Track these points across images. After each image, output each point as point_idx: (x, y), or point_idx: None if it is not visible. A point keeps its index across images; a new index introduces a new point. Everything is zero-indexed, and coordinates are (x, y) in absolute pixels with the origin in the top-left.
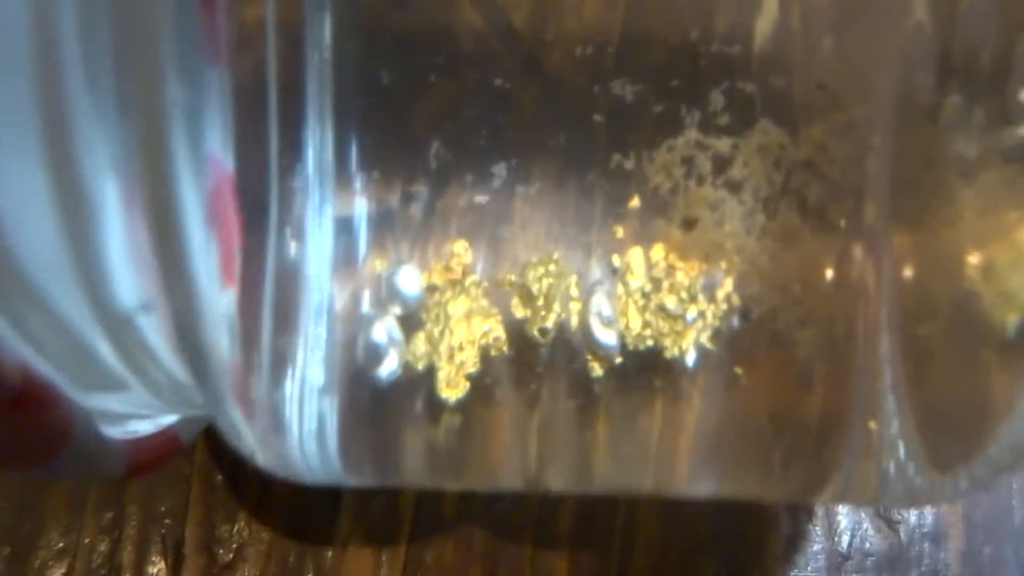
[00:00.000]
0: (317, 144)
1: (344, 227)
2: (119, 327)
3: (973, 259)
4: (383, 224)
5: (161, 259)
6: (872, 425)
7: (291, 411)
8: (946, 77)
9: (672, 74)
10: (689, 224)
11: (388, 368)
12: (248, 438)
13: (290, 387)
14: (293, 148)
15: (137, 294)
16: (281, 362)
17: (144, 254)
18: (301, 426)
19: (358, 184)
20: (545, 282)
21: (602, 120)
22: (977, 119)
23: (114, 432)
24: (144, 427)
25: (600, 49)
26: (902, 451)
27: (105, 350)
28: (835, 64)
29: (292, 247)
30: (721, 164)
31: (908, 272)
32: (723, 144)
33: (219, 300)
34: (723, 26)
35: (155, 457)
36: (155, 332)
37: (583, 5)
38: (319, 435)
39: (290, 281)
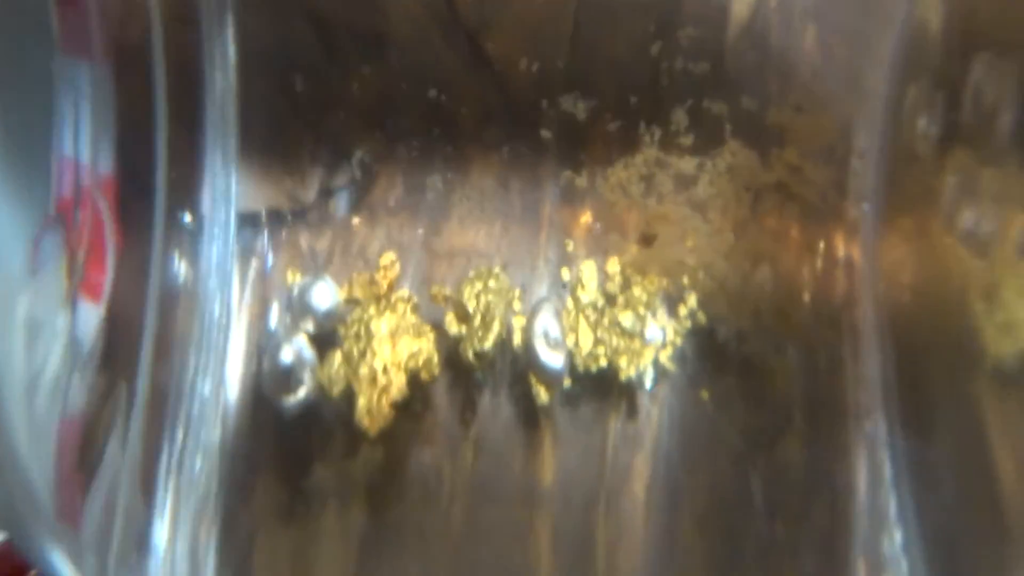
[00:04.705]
0: (217, 132)
1: (249, 227)
2: None
3: (975, 285)
4: (296, 225)
5: None
6: (865, 480)
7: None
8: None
9: (630, 91)
10: (647, 240)
11: (297, 394)
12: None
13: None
14: (187, 135)
15: None
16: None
17: None
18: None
19: (267, 177)
20: (484, 299)
21: (551, 136)
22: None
23: None
24: None
25: (548, 62)
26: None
27: None
28: (815, 85)
29: (183, 251)
30: (684, 183)
31: (901, 293)
32: (687, 163)
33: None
34: (688, 41)
35: None
36: None
37: (528, 14)
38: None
39: (180, 291)
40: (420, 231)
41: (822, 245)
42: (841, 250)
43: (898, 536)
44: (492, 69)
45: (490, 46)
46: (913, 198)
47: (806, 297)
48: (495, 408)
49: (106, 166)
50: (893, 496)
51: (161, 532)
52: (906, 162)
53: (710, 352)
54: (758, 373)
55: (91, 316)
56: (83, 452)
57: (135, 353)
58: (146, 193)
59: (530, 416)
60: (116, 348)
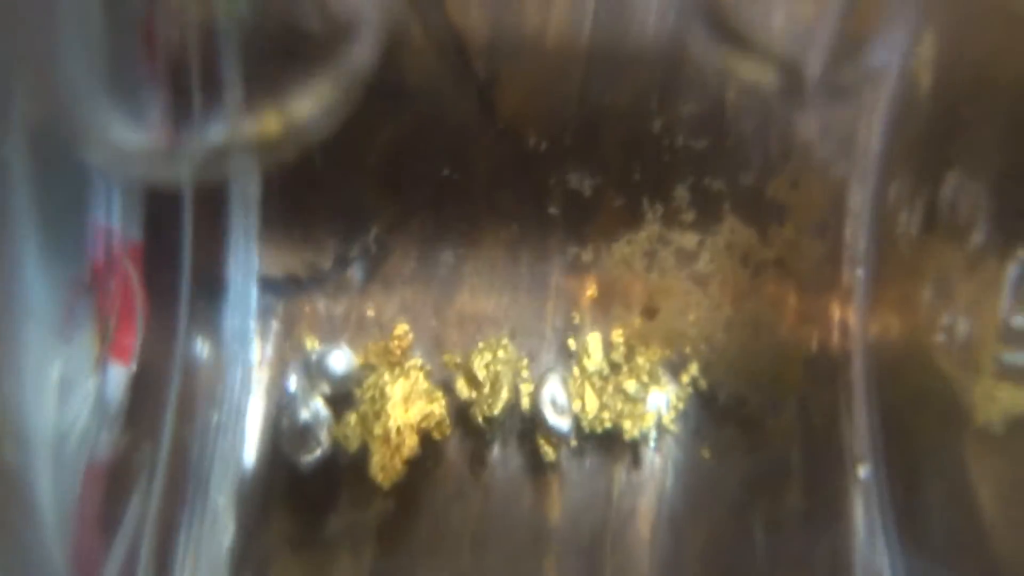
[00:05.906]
0: (239, 204)
1: (269, 293)
2: None
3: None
4: (313, 292)
5: None
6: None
7: None
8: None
9: (633, 168)
10: (650, 313)
11: (314, 453)
12: None
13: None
14: (211, 206)
15: None
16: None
17: None
18: None
19: (286, 247)
20: (493, 368)
21: (558, 213)
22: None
23: None
24: None
25: (556, 140)
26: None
27: None
28: (811, 152)
29: (207, 316)
30: (686, 258)
31: (890, 358)
32: (688, 240)
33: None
34: (688, 116)
35: None
36: None
37: (536, 69)
38: None
39: (204, 353)
40: (433, 300)
41: (818, 311)
42: (837, 314)
43: None
44: (504, 141)
45: (501, 108)
46: (899, 271)
47: (803, 360)
48: (504, 460)
49: (136, 234)
50: (884, 543)
51: None
52: (891, 242)
53: (711, 414)
54: (756, 430)
55: (120, 377)
56: (106, 507)
57: (160, 412)
58: (171, 260)
59: (537, 468)
60: (142, 408)
